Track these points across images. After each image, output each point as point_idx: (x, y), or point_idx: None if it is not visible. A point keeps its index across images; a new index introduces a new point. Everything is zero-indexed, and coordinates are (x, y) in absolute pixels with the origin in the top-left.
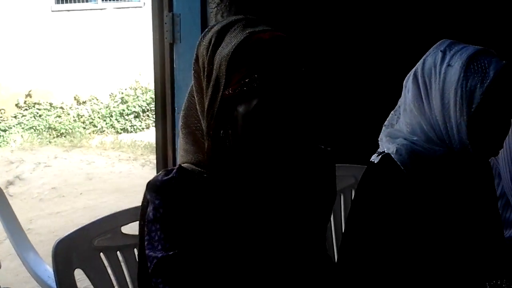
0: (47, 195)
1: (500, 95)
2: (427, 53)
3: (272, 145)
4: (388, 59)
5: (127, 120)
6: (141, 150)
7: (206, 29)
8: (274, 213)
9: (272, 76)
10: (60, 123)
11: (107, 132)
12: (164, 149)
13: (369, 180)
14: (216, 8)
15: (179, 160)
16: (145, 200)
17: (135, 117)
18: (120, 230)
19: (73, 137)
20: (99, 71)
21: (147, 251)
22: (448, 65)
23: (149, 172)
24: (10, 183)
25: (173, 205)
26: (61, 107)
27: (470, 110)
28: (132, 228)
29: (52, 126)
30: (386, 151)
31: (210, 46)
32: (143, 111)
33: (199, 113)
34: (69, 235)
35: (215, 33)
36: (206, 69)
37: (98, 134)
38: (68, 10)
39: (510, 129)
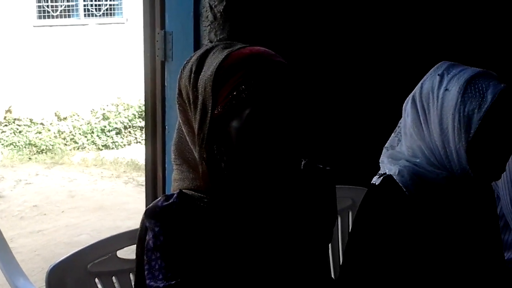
0: (28, 213)
1: (499, 120)
2: (425, 76)
3: (270, 154)
4: (388, 78)
5: (108, 136)
6: (124, 167)
7: (185, 62)
8: (276, 236)
9: (260, 84)
10: (40, 139)
11: (88, 149)
12: (153, 168)
13: (370, 202)
14: (209, 26)
15: (173, 189)
16: (142, 227)
17: (117, 133)
18: (116, 255)
19: (54, 153)
20: (81, 87)
21: (147, 281)
22: (446, 89)
23: (133, 189)
24: None
25: (174, 232)
26: (42, 123)
27: (469, 136)
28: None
29: (32, 142)
30: (387, 173)
31: (192, 74)
32: (125, 128)
33: (190, 144)
34: (63, 260)
35: (195, 61)
36: (191, 97)
37: (79, 150)
38: (50, 26)
39: None
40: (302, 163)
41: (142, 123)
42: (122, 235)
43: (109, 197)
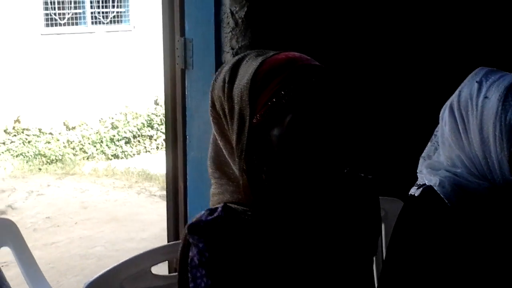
0: (41, 225)
1: None
2: (463, 83)
3: (315, 161)
4: (422, 85)
5: (118, 146)
6: (135, 178)
7: (216, 73)
8: (321, 248)
9: (300, 88)
10: (49, 149)
11: (97, 159)
12: (174, 179)
13: (411, 214)
14: (231, 33)
15: (212, 204)
16: (185, 242)
17: (126, 142)
18: (150, 271)
19: (64, 163)
20: (89, 95)
21: None
22: (485, 97)
23: (145, 200)
24: (3, 212)
25: (220, 248)
26: (50, 133)
27: (511, 145)
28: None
29: (41, 152)
30: (427, 183)
31: (225, 84)
32: (134, 137)
33: (227, 157)
34: (98, 277)
35: (227, 71)
36: (226, 108)
37: (89, 160)
38: (58, 34)
39: None
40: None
41: (151, 132)
42: (156, 250)
43: (122, 208)
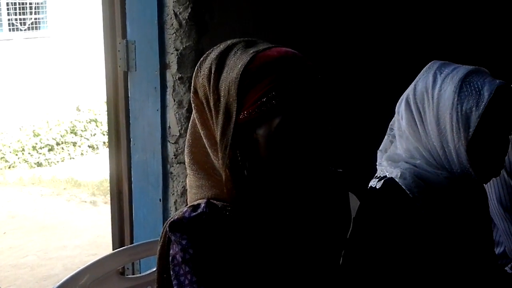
0: None
1: (497, 116)
2: (417, 77)
3: (302, 164)
4: (372, 79)
5: (41, 153)
6: (63, 185)
7: (201, 59)
8: (298, 242)
9: (292, 92)
10: None
11: (20, 167)
12: (118, 182)
13: (374, 206)
14: (175, 34)
15: (191, 199)
16: (164, 240)
17: (49, 150)
18: (115, 273)
19: None
20: (7, 103)
21: None
22: (440, 89)
23: (76, 207)
24: None
25: (204, 244)
26: None
27: (468, 134)
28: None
29: None
30: (388, 175)
31: (212, 74)
32: (58, 144)
33: (207, 147)
34: (63, 282)
35: (214, 60)
36: (211, 99)
37: (11, 169)
38: None
39: None
40: None
41: (75, 139)
42: (119, 253)
43: (52, 216)
